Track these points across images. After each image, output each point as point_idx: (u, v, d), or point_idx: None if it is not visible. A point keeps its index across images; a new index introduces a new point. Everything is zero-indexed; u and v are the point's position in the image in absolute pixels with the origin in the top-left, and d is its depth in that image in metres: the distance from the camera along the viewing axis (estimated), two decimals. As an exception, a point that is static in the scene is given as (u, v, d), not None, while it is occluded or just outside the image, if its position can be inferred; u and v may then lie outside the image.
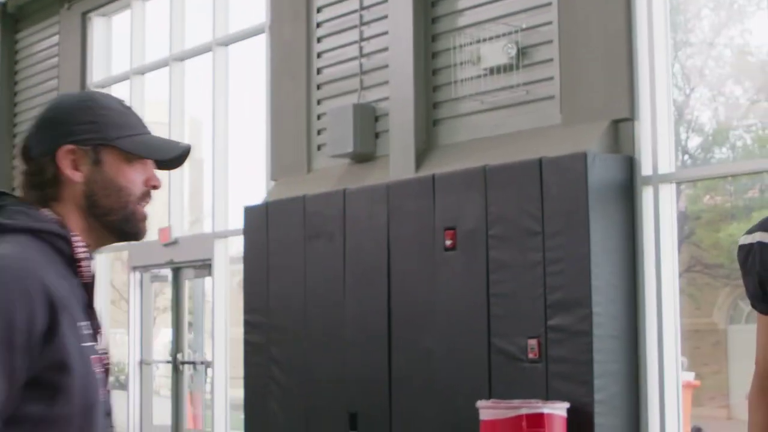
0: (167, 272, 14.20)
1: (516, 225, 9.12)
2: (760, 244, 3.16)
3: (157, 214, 15.85)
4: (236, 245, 13.03)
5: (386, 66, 10.93)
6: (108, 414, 2.25)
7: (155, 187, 2.31)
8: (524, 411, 8.21)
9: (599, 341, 8.56)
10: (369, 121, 11.03)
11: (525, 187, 9.03)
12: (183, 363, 13.84)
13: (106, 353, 2.26)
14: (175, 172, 13.79)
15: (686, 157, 19.01)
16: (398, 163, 10.59)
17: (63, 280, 2.15)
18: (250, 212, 11.83)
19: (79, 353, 2.13)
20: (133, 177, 2.26)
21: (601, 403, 8.53)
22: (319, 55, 11.82)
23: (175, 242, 13.58)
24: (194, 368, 14.11)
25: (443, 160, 10.27)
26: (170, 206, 13.89)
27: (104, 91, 15.01)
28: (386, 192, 10.34)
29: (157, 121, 16.46)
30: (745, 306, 22.81)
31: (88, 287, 2.23)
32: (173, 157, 2.32)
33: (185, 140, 13.47)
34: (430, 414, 9.75)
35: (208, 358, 13.53)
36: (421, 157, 10.48)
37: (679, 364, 9.09)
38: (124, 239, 2.32)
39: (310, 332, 10.92)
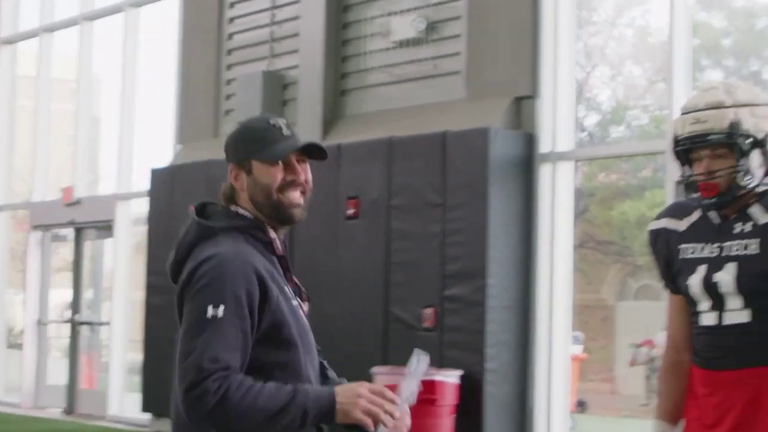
0: (68, 232, 14.17)
1: (418, 196, 9.34)
2: (666, 230, 3.42)
3: (59, 173, 15.75)
4: (138, 207, 13.07)
5: (297, 34, 11.03)
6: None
7: (293, 181, 2.98)
8: (419, 377, 8.42)
9: (493, 312, 8.83)
10: (277, 89, 11.15)
11: (428, 160, 9.25)
12: (81, 323, 13.85)
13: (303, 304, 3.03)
14: (73, 131, 13.78)
15: (584, 134, 19.37)
16: (305, 131, 10.70)
17: (264, 259, 2.91)
18: (156, 174, 11.89)
19: (290, 310, 2.89)
20: (273, 174, 2.95)
21: (492, 372, 8.80)
22: (230, 21, 11.87)
23: (77, 202, 13.56)
24: (92, 329, 14.11)
25: (350, 130, 10.44)
26: (75, 166, 13.86)
27: (10, 47, 14.89)
28: (292, 159, 10.49)
29: (64, 78, 16.39)
30: (634, 283, 23.39)
31: (282, 260, 2.99)
32: (287, 153, 2.97)
33: (85, 97, 13.27)
34: (327, 378, 9.95)
35: (106, 319, 13.56)
36: (328, 126, 10.64)
37: (569, 337, 9.40)
38: (283, 224, 3.01)
39: (212, 295, 11.03)
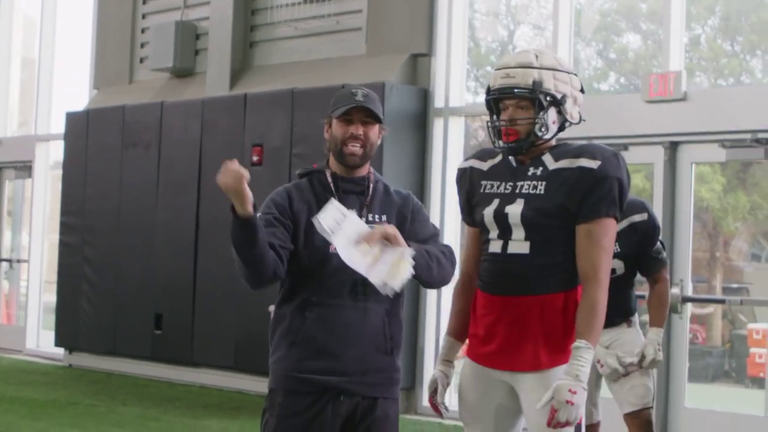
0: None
1: (318, 145, 9.66)
2: (471, 168, 3.93)
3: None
4: (57, 149, 13.37)
5: (209, -14, 11.41)
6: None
7: (352, 135, 3.87)
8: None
9: (384, 256, 9.29)
10: (190, 39, 11.52)
11: (328, 111, 9.69)
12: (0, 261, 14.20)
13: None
14: (3, 72, 14.05)
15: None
16: (214, 80, 11.13)
17: (311, 194, 3.90)
18: (71, 118, 12.24)
19: (307, 227, 3.81)
20: (337, 130, 3.90)
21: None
22: (146, -29, 12.20)
23: (-3, 142, 13.85)
24: (10, 266, 14.41)
25: (256, 80, 10.86)
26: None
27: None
28: (201, 107, 10.91)
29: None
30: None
31: (350, 195, 3.91)
32: (345, 112, 3.87)
33: (15, 39, 13.32)
34: (229, 316, 10.44)
35: (25, 257, 13.88)
36: (235, 76, 11.05)
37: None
38: (346, 167, 3.90)
39: (123, 235, 11.44)
